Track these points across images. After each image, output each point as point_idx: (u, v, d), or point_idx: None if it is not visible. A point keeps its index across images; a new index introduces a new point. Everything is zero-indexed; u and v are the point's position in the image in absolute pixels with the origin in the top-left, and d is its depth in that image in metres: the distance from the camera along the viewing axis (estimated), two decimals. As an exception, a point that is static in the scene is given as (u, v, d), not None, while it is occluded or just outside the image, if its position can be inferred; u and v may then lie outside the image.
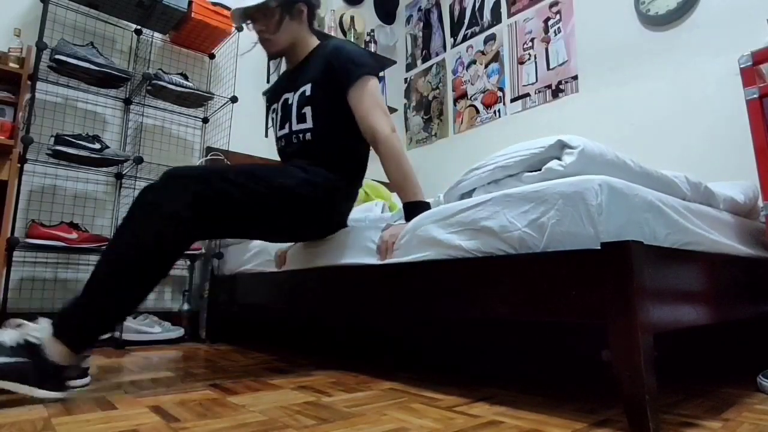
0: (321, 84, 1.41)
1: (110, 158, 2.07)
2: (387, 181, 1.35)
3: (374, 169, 1.53)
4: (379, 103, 1.39)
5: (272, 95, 1.61)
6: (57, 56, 1.97)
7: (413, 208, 1.27)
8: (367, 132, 1.37)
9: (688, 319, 0.89)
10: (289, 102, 1.47)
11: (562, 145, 0.99)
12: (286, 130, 1.48)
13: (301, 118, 1.43)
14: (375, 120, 1.35)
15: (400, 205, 1.35)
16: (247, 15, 1.47)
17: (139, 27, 2.40)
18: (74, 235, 1.94)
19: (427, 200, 1.30)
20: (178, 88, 2.28)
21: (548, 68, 2.60)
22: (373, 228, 1.36)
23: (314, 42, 1.53)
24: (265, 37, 1.47)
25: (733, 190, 1.38)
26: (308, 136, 1.42)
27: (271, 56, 1.55)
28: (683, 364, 1.37)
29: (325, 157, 1.40)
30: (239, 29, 1.58)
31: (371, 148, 1.40)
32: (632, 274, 0.74)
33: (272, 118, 1.58)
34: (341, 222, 1.48)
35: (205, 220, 1.12)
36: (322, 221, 1.42)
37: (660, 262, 0.84)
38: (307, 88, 1.42)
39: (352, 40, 3.09)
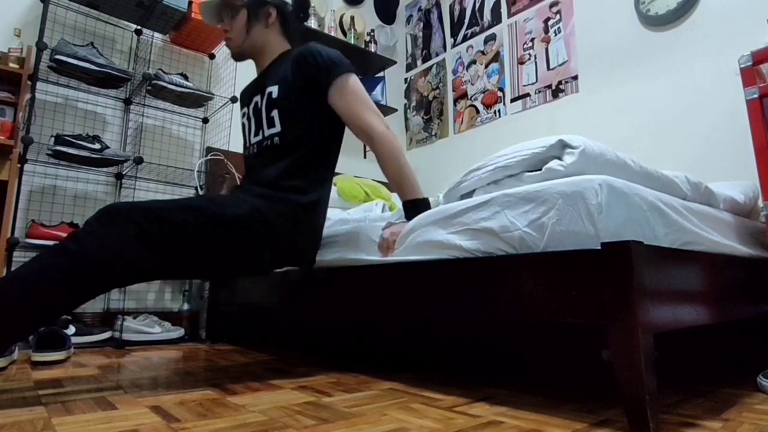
0: (290, 85, 1.34)
1: (110, 158, 2.07)
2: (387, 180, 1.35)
3: (374, 169, 1.53)
4: (366, 100, 1.33)
5: (243, 98, 1.53)
6: (57, 56, 1.97)
7: (413, 206, 1.26)
8: (360, 131, 1.32)
9: (688, 319, 0.89)
10: (259, 106, 1.40)
11: (563, 145, 0.99)
12: (259, 137, 1.39)
13: (270, 122, 1.36)
14: (367, 119, 1.30)
15: (400, 204, 1.35)
16: (217, 14, 1.44)
17: (139, 27, 2.40)
18: (74, 235, 1.94)
19: (428, 199, 1.30)
20: (178, 88, 2.28)
21: (548, 68, 2.60)
22: (374, 226, 1.35)
23: (285, 46, 1.46)
24: (226, 36, 1.42)
25: (733, 190, 1.38)
26: (276, 140, 1.34)
27: (234, 57, 1.47)
28: (683, 364, 1.37)
29: (291, 161, 1.32)
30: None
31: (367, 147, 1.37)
32: (632, 274, 0.74)
33: (244, 124, 1.49)
34: (314, 241, 1.38)
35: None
36: (292, 246, 1.31)
37: (660, 262, 0.84)
38: (274, 90, 1.35)
39: (352, 40, 3.09)
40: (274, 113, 1.35)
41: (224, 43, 1.47)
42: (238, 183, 2.41)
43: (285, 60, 1.40)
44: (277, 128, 1.35)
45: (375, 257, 1.27)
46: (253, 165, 1.42)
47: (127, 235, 1.01)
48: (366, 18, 3.38)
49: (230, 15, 1.40)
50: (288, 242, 1.28)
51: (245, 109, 1.49)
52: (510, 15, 2.86)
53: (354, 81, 1.34)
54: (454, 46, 3.21)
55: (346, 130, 1.41)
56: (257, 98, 1.42)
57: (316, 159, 1.36)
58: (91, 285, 1.00)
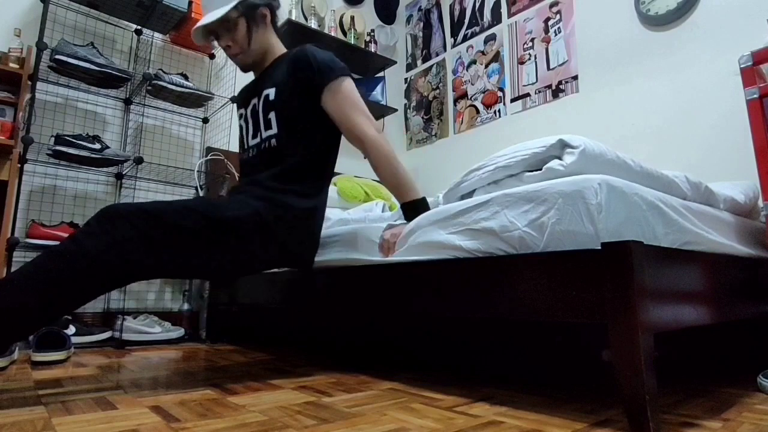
0: (286, 87, 1.34)
1: (110, 158, 2.07)
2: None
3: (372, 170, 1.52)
4: (358, 104, 1.33)
5: (241, 100, 1.52)
6: (57, 56, 1.97)
7: (412, 207, 1.26)
8: (352, 136, 1.33)
9: (688, 319, 0.89)
10: (256, 108, 1.40)
11: (563, 145, 0.99)
12: (257, 139, 1.39)
13: (268, 124, 1.36)
14: (357, 123, 1.31)
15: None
16: (210, 31, 1.39)
17: (139, 27, 2.40)
18: (74, 235, 1.94)
19: (426, 199, 1.29)
20: (178, 88, 2.28)
21: (548, 68, 2.60)
22: (374, 226, 1.35)
23: (282, 48, 1.47)
24: (233, 52, 1.39)
25: (733, 190, 1.38)
26: (273, 142, 1.35)
27: (245, 69, 1.45)
28: (683, 364, 1.37)
29: (289, 166, 1.32)
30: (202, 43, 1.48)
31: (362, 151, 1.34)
32: (632, 274, 0.74)
33: (242, 126, 1.49)
34: (313, 241, 1.38)
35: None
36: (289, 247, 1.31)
37: (660, 262, 0.84)
38: (271, 92, 1.36)
39: (352, 40, 3.09)
40: (272, 115, 1.36)
41: (231, 59, 1.43)
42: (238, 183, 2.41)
43: (281, 62, 1.40)
44: (274, 130, 1.35)
45: (375, 257, 1.27)
46: (250, 168, 1.42)
47: (126, 235, 1.02)
48: (366, 18, 3.37)
49: (229, 29, 1.36)
50: (285, 246, 1.29)
51: (242, 111, 1.48)
52: (510, 15, 2.86)
53: (348, 84, 1.34)
54: (454, 46, 3.21)
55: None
56: (255, 101, 1.42)
57: (313, 165, 1.37)
58: (90, 284, 1.00)
